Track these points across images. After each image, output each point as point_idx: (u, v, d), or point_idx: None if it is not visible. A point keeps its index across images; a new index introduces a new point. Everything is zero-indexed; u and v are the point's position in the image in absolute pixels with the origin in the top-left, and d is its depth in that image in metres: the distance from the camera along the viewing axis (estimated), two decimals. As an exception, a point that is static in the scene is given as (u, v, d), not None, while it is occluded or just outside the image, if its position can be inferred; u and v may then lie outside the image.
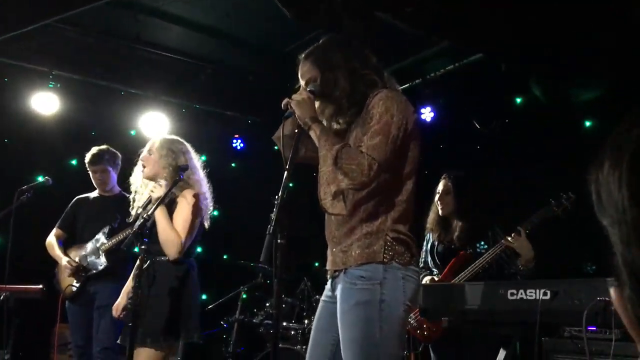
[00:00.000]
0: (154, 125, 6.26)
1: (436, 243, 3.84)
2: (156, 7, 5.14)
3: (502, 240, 3.50)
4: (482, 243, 3.65)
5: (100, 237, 4.44)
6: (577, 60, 4.74)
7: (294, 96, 2.23)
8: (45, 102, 5.75)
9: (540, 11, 4.37)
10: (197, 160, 3.67)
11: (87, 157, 4.58)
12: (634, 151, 0.78)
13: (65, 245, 4.56)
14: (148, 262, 3.34)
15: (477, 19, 4.41)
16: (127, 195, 4.30)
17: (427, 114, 5.94)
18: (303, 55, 2.39)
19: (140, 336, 3.19)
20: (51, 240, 4.56)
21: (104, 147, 4.66)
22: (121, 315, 3.56)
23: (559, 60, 4.80)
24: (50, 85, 5.72)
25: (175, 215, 3.40)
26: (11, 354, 4.36)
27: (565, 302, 2.68)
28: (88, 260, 4.43)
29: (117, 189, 4.69)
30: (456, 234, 3.69)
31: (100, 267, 4.38)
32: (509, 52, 4.85)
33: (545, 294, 2.72)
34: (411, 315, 3.45)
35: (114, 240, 4.32)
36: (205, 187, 3.61)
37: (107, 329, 4.23)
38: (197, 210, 3.44)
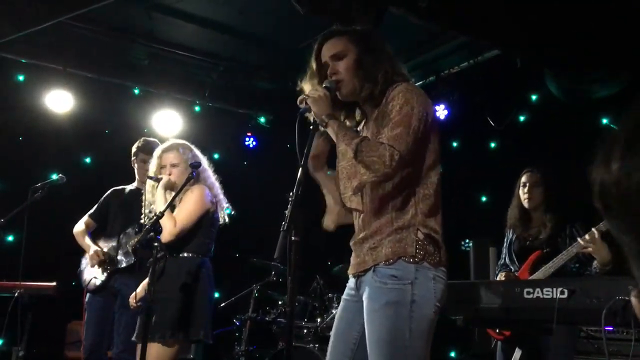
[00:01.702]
0: (167, 123, 6.27)
1: (514, 239, 3.81)
2: (169, 5, 5.15)
3: (579, 240, 3.35)
4: (560, 241, 3.57)
5: (131, 232, 4.26)
6: (593, 56, 4.68)
7: (310, 93, 2.19)
8: (59, 100, 5.78)
9: (556, 7, 4.31)
10: (204, 159, 3.70)
11: (140, 143, 4.43)
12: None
13: (93, 236, 4.39)
14: (161, 258, 3.36)
15: (492, 14, 4.36)
16: None
17: (440, 111, 5.89)
18: (336, 30, 2.32)
19: (150, 331, 3.21)
20: (80, 228, 4.38)
21: (152, 139, 4.51)
22: (137, 304, 3.58)
23: (576, 57, 4.74)
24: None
25: (179, 206, 3.44)
26: (25, 350, 4.37)
27: (582, 301, 2.64)
28: (115, 254, 4.25)
29: None
30: (537, 229, 3.66)
31: (125, 264, 4.21)
32: (525, 48, 4.80)
33: (562, 292, 2.69)
34: None
35: (141, 236, 4.17)
36: (213, 183, 3.63)
37: (129, 329, 3.96)
38: (200, 203, 3.45)
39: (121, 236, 4.29)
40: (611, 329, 2.57)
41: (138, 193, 4.40)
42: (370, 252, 2.16)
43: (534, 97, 5.60)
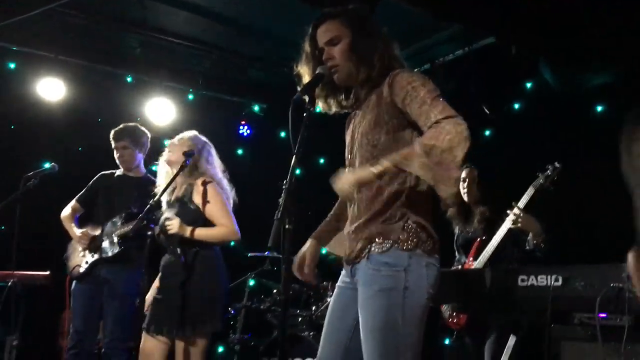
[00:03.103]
0: (160, 111, 6.23)
1: (459, 234, 3.94)
2: (162, -8, 5.10)
3: (509, 215, 3.51)
4: (496, 228, 3.66)
5: (117, 221, 4.20)
6: (588, 44, 4.67)
7: (345, 183, 2.01)
8: (51, 89, 5.73)
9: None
10: (215, 154, 3.78)
11: (112, 132, 4.39)
12: None
13: (80, 222, 4.36)
14: (176, 250, 3.39)
15: (486, 1, 4.34)
16: (153, 178, 4.28)
17: (435, 99, 5.87)
18: (329, 13, 2.28)
19: (166, 325, 3.30)
20: (67, 213, 4.34)
21: (131, 124, 4.47)
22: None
23: (570, 45, 4.73)
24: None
25: (210, 209, 3.49)
26: (19, 340, 4.36)
27: (576, 288, 2.66)
28: (102, 243, 4.18)
29: (143, 170, 4.44)
30: (476, 221, 3.77)
31: (111, 253, 4.14)
32: (520, 36, 4.78)
33: (556, 279, 2.70)
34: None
35: (129, 226, 4.05)
36: (220, 175, 3.69)
37: (118, 319, 4.05)
38: (222, 194, 3.55)
39: (109, 224, 4.23)
40: (605, 315, 2.57)
41: (125, 179, 4.39)
42: (364, 241, 2.15)
43: (528, 85, 5.58)
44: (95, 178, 4.46)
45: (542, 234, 3.47)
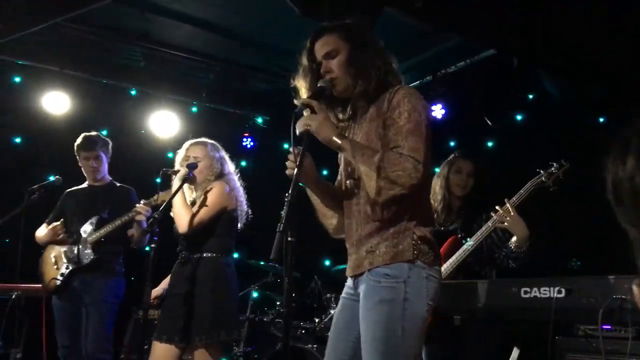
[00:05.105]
0: (164, 124, 6.27)
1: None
2: (165, 6, 5.13)
3: (493, 216, 3.22)
4: (475, 226, 3.42)
5: (88, 228, 4.18)
6: (589, 55, 4.68)
7: (310, 120, 2.10)
8: (56, 102, 5.77)
9: (552, 6, 4.32)
10: (231, 164, 3.84)
11: (79, 141, 4.35)
12: None
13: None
14: (187, 259, 3.40)
15: (488, 14, 4.36)
16: (118, 184, 4.28)
17: (437, 110, 5.90)
18: (327, 28, 2.30)
19: (185, 334, 3.27)
20: (38, 233, 4.32)
21: (94, 133, 4.46)
22: (153, 302, 3.60)
23: (572, 56, 4.74)
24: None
25: (202, 205, 3.46)
26: (22, 352, 4.36)
27: (580, 300, 2.65)
28: (74, 251, 4.13)
29: (108, 177, 4.46)
30: (454, 215, 3.52)
31: (87, 260, 4.10)
32: (521, 48, 4.80)
33: (559, 291, 2.69)
34: None
35: (102, 231, 4.09)
36: (237, 187, 3.71)
37: (98, 328, 4.01)
38: (219, 198, 3.49)
39: (79, 233, 4.20)
40: (608, 327, 2.57)
41: (93, 189, 4.38)
42: (368, 256, 2.16)
43: (530, 96, 5.60)
44: (62, 196, 4.46)
45: (527, 242, 3.18)
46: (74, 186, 4.51)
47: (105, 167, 4.43)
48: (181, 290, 3.39)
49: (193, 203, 3.54)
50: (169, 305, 3.47)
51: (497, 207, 3.24)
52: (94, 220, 4.19)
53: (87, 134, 4.43)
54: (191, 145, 3.65)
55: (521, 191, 3.25)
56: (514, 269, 3.30)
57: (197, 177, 3.53)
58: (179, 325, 3.31)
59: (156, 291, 3.73)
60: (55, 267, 4.18)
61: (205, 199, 3.45)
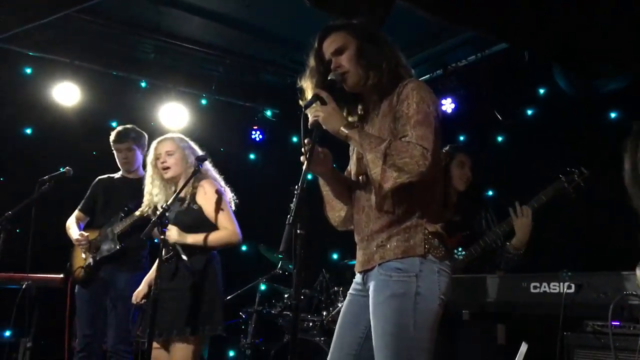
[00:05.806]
0: (174, 116, 6.28)
1: None
2: (176, -2, 5.14)
3: (515, 208, 3.26)
4: (475, 223, 3.47)
5: (115, 219, 4.26)
6: (601, 50, 4.63)
7: (318, 112, 2.12)
8: (66, 93, 5.79)
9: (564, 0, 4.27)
10: (198, 149, 3.74)
11: (113, 135, 4.44)
12: None
13: (86, 229, 4.42)
14: (170, 253, 3.37)
15: (499, 7, 4.32)
16: None
17: (448, 105, 5.87)
18: (333, 26, 2.30)
19: (166, 328, 3.23)
20: (70, 222, 4.42)
21: (129, 125, 4.53)
22: (141, 302, 3.59)
23: (584, 50, 4.70)
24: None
25: (214, 211, 3.47)
26: (33, 341, 4.39)
27: (589, 296, 2.64)
28: (102, 243, 4.24)
29: (142, 172, 4.45)
30: (451, 211, 3.47)
31: (112, 250, 4.17)
32: (533, 42, 4.76)
33: (569, 287, 2.68)
34: None
35: (126, 223, 4.16)
36: (215, 176, 3.67)
37: (122, 321, 4.06)
38: (222, 197, 3.51)
39: (108, 224, 4.29)
40: (618, 324, 2.55)
41: (124, 180, 4.45)
42: (378, 250, 2.16)
43: (541, 91, 5.56)
44: (93, 184, 4.54)
45: (524, 248, 3.28)
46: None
47: (138, 159, 4.49)
48: (169, 286, 3.36)
49: (182, 199, 3.53)
50: (161, 303, 3.45)
51: (517, 205, 3.25)
52: (122, 213, 4.25)
53: (122, 126, 4.51)
54: (159, 143, 3.62)
55: (542, 196, 3.28)
56: (505, 270, 3.33)
57: (173, 169, 3.53)
58: (170, 320, 3.28)
59: (141, 290, 3.70)
60: (83, 256, 4.28)
61: (214, 205, 3.47)
